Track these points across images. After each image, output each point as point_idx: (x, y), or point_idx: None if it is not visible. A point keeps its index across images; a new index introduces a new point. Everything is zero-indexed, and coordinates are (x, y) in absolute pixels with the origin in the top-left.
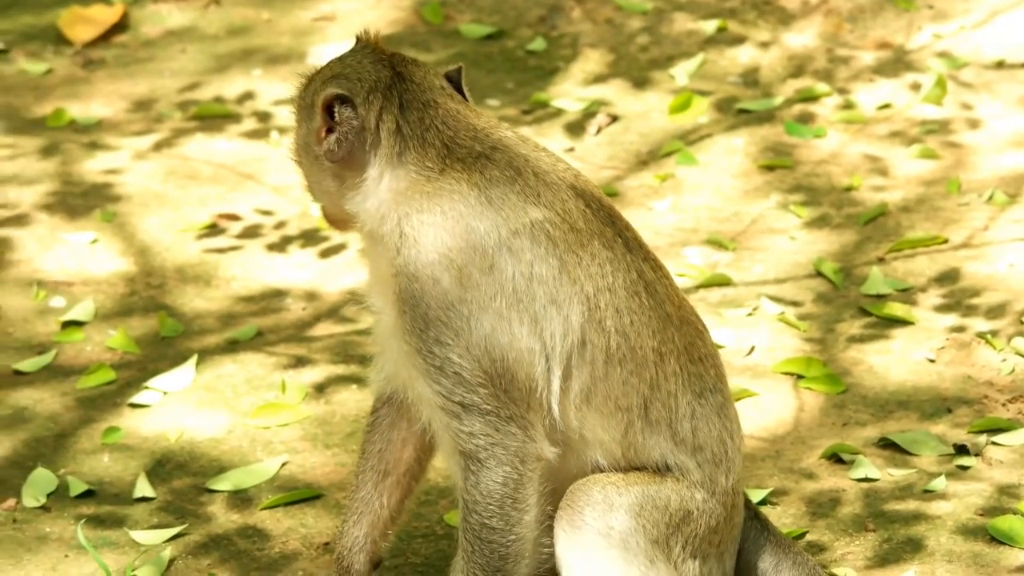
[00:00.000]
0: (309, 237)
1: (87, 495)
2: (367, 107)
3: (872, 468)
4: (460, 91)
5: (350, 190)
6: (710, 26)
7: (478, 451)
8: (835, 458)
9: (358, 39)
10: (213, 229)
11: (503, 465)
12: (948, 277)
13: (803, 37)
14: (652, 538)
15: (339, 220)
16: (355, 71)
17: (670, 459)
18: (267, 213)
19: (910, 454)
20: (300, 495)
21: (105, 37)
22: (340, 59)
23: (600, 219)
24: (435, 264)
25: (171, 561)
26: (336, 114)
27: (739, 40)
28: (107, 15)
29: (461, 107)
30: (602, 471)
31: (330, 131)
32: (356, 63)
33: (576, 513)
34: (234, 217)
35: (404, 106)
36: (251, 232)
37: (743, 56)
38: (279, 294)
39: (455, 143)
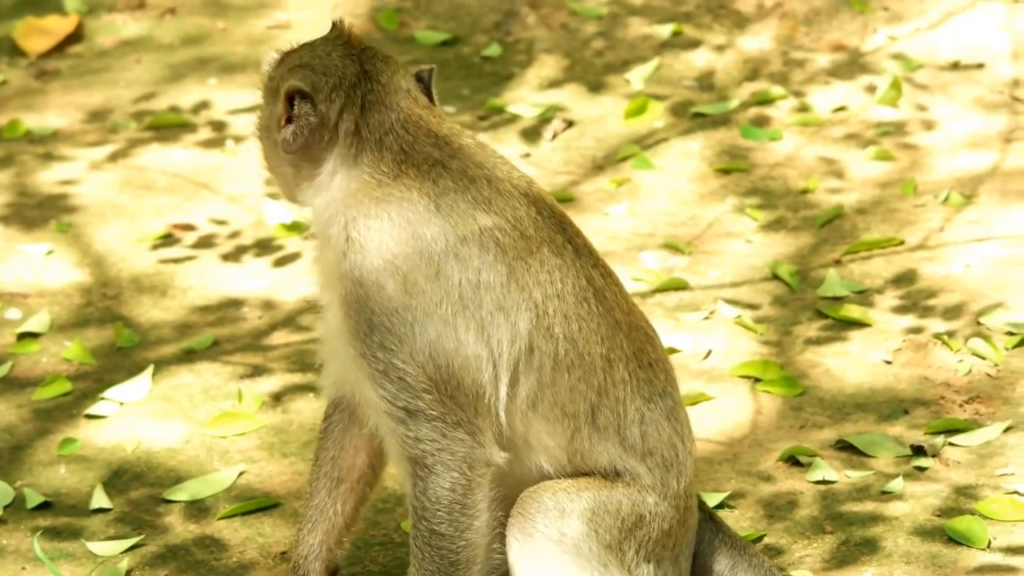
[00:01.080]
0: (264, 246)
1: (43, 507)
2: (328, 104)
3: (829, 470)
4: (429, 93)
5: (304, 180)
6: (665, 30)
7: (425, 457)
8: (792, 460)
9: (333, 26)
10: (168, 239)
11: (451, 471)
12: (904, 279)
13: (758, 40)
14: (605, 543)
15: (292, 197)
16: (322, 63)
17: (619, 464)
18: (221, 223)
19: (867, 456)
20: (257, 504)
21: (60, 48)
22: (311, 46)
23: (551, 226)
24: (380, 270)
25: (128, 572)
26: (296, 107)
27: (694, 44)
28: (62, 26)
29: (424, 112)
30: (548, 477)
31: (289, 121)
32: (325, 54)
33: (527, 520)
34: (189, 227)
35: (366, 107)
36: (206, 242)
37: (698, 60)
38: (235, 303)
39: (413, 149)
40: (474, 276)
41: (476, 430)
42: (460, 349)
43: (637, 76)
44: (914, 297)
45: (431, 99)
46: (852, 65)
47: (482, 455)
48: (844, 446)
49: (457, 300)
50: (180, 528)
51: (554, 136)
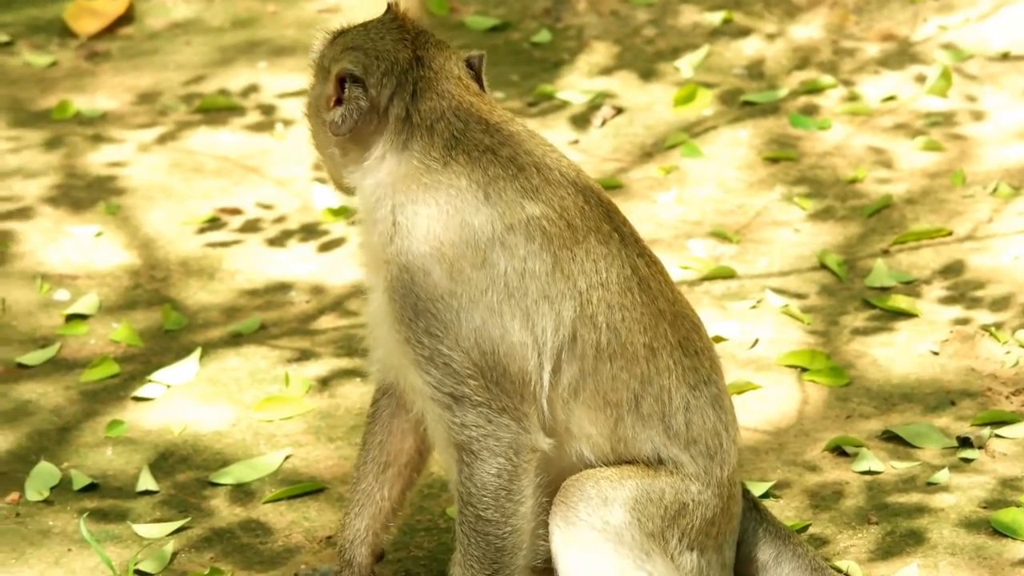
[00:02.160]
0: (310, 231)
1: (90, 489)
2: (379, 89)
3: (875, 461)
4: (479, 78)
5: (352, 163)
6: (716, 18)
7: (471, 442)
8: (838, 451)
9: (388, 8)
10: (215, 223)
11: (497, 456)
12: (952, 270)
13: (809, 29)
14: (647, 531)
15: (339, 183)
16: (375, 47)
17: (663, 452)
18: (268, 207)
19: (913, 447)
20: (303, 488)
21: (110, 29)
22: (364, 28)
23: (597, 215)
24: (426, 256)
25: (174, 555)
26: (346, 90)
27: (745, 32)
28: (112, 7)
29: (475, 99)
30: (591, 465)
31: (339, 103)
32: (378, 37)
33: (570, 509)
34: (236, 211)
35: (417, 93)
36: (253, 226)
37: (748, 48)
38: (283, 287)
39: (464, 136)
40: (520, 264)
41: (522, 416)
42: (506, 336)
43: (687, 64)
44: (962, 288)
45: (481, 85)
46: (902, 55)
47: (528, 441)
48: (890, 437)
49: (503, 288)
50: (226, 511)
51: (603, 123)
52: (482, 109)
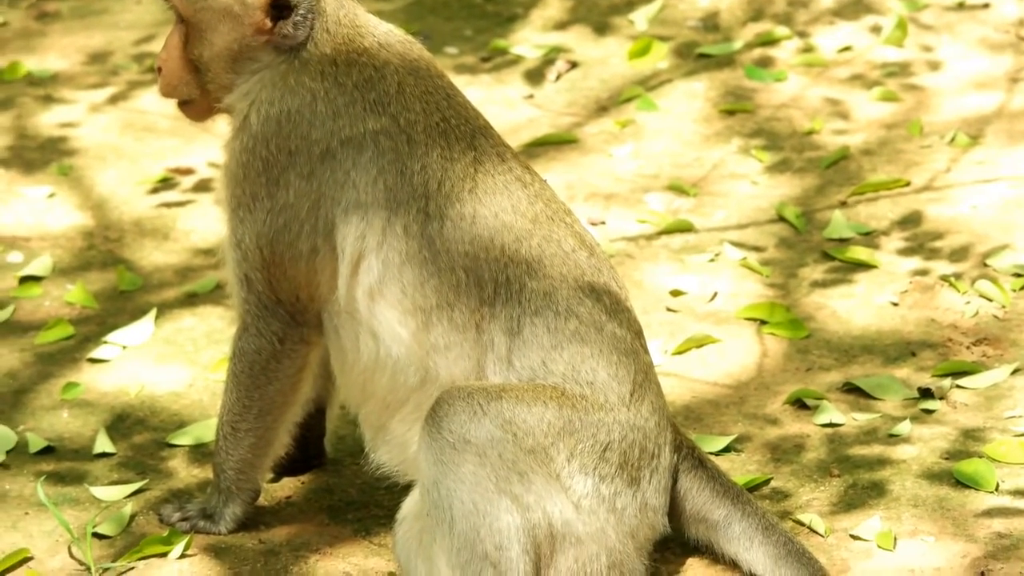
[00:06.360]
0: None
1: (47, 452)
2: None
3: (836, 413)
4: None
5: (243, 64)
6: None
7: (246, 316)
8: (799, 404)
9: None
10: (167, 183)
11: (261, 337)
12: (911, 220)
13: None
14: (526, 447)
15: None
16: None
17: (491, 369)
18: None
19: (874, 398)
20: None
21: None
22: None
23: (449, 132)
24: (261, 154)
25: (132, 517)
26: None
27: None
28: None
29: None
30: (403, 368)
31: (282, 18)
32: None
33: (435, 423)
34: (188, 171)
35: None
36: (204, 186)
37: (703, 0)
38: None
39: (350, 42)
40: (343, 176)
41: (297, 311)
42: (298, 243)
43: (641, 17)
44: (920, 239)
45: None
46: (857, 5)
47: (296, 333)
48: (851, 389)
49: (316, 200)
50: (183, 472)
51: (558, 77)
52: (370, 21)
